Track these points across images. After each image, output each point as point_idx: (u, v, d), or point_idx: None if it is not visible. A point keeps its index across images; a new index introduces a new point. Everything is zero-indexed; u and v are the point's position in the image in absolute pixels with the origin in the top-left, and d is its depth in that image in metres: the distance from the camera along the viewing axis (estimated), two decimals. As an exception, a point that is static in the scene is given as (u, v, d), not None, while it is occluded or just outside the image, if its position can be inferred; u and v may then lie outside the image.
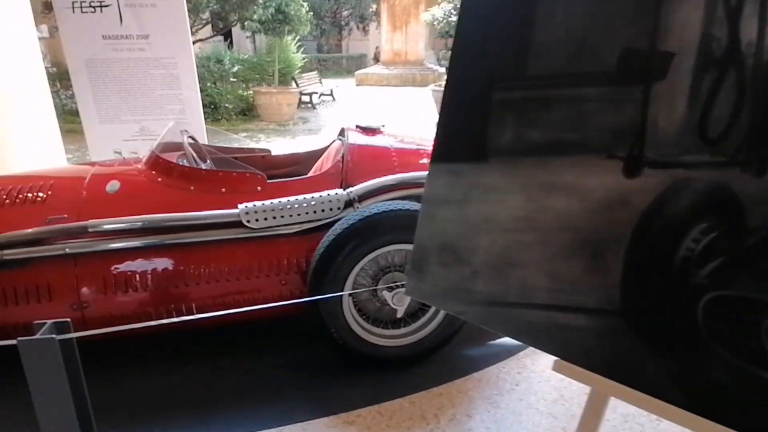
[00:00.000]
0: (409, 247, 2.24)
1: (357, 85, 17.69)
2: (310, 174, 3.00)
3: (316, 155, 3.16)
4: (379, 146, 2.62)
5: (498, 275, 1.28)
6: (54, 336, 1.49)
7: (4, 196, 2.25)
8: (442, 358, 2.42)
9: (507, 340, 2.60)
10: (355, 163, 2.48)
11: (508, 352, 2.50)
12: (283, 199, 2.27)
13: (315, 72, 14.03)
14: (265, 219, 2.23)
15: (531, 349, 2.53)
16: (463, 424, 2.03)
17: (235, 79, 10.13)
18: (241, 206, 2.22)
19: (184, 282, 2.23)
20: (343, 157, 2.50)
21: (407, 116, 10.89)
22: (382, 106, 12.68)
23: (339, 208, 2.30)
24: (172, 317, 2.26)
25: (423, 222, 1.46)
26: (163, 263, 2.20)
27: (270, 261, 2.30)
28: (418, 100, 13.36)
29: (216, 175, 2.36)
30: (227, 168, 2.56)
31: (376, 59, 25.64)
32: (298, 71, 12.22)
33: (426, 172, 2.46)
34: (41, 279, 2.13)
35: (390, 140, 2.70)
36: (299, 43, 12.00)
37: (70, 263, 2.14)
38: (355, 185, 2.38)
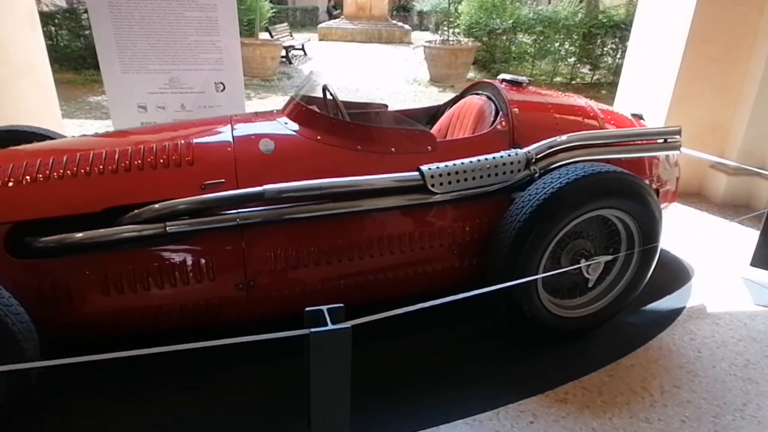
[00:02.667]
0: (610, 212, 2.08)
1: (320, 39, 16.85)
2: (435, 131, 2.74)
3: (430, 111, 2.89)
4: (540, 102, 2.40)
5: None
6: (348, 325, 1.29)
7: (145, 158, 1.84)
8: (604, 328, 2.31)
9: (659, 306, 2.54)
10: (521, 120, 2.25)
11: (668, 319, 2.44)
12: (465, 161, 2.02)
13: (285, 24, 13.15)
14: (449, 183, 1.99)
15: (687, 314, 2.49)
16: (677, 396, 1.95)
17: (214, 29, 9.25)
18: (423, 168, 1.96)
19: (358, 255, 1.96)
20: (508, 114, 2.26)
21: (399, 74, 10.51)
22: (362, 63, 12.15)
23: (519, 170, 2.09)
24: (340, 293, 2.00)
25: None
26: (336, 234, 1.92)
27: (446, 229, 2.07)
28: (397, 57, 12.94)
29: (385, 132, 2.06)
30: (394, 125, 2.25)
31: (329, 13, 24.52)
32: (265, 22, 11.40)
33: (597, 131, 2.33)
34: (204, 255, 1.79)
35: (543, 96, 2.48)
36: (260, -8, 11.09)
37: (236, 236, 1.81)
38: (523, 145, 2.18)
